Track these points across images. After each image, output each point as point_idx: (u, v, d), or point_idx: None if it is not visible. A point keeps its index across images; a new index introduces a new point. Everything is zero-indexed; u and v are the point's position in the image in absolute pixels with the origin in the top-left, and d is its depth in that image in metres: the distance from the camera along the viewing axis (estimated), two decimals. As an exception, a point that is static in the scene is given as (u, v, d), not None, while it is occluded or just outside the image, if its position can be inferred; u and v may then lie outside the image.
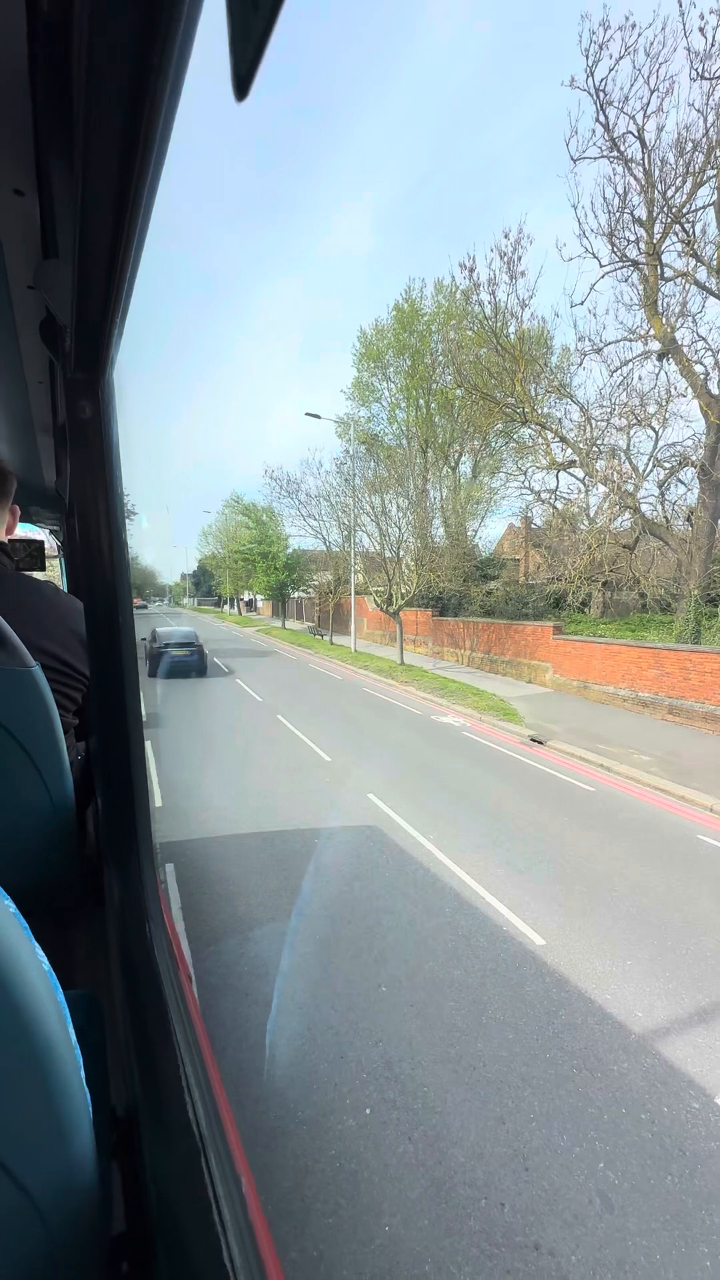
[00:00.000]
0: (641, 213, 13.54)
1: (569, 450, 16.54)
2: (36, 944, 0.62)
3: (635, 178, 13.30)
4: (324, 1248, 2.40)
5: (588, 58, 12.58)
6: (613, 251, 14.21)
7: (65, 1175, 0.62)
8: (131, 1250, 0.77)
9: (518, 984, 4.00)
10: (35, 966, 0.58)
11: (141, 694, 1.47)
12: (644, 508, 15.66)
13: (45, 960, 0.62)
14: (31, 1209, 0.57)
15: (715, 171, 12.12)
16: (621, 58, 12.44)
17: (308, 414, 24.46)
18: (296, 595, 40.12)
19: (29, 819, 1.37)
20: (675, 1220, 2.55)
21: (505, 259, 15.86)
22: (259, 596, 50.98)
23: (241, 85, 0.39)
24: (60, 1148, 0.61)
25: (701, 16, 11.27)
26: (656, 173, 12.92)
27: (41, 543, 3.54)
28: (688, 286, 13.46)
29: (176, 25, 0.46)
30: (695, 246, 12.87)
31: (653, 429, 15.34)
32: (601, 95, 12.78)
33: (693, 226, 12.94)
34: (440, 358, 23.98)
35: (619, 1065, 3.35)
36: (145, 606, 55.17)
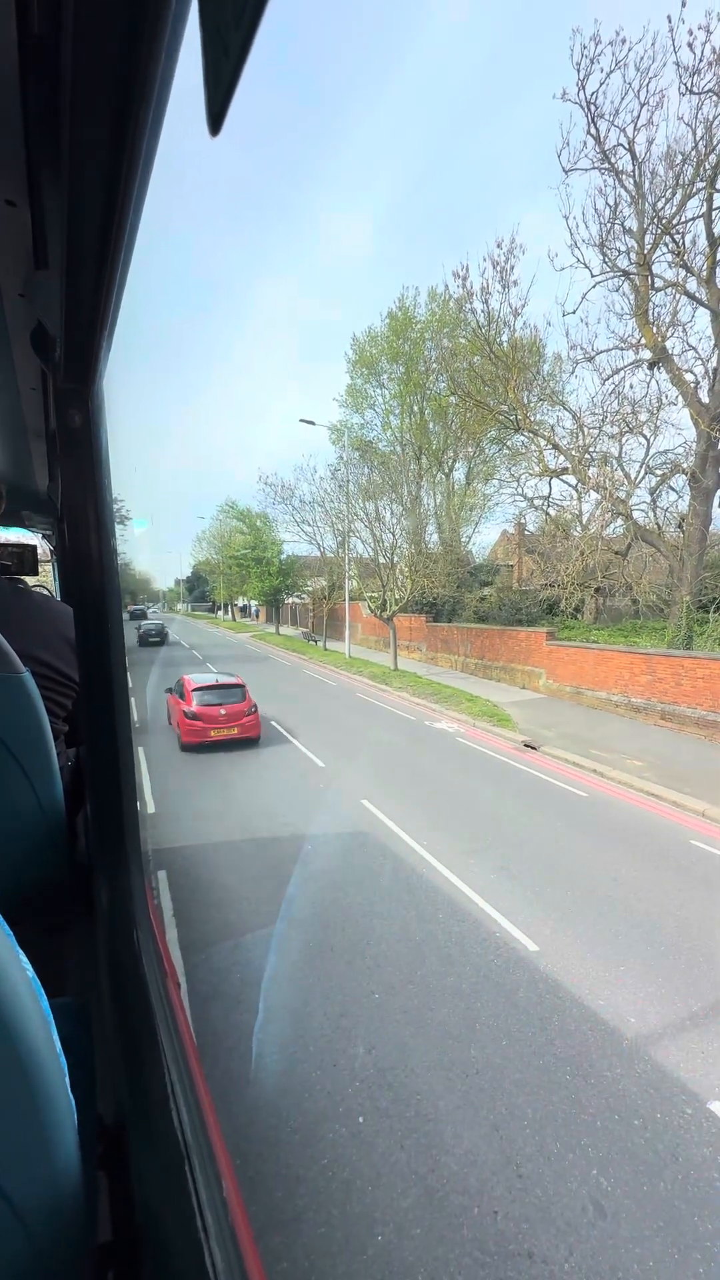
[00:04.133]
0: (632, 223, 13.71)
1: (562, 457, 16.64)
2: (20, 951, 0.62)
3: (626, 189, 13.48)
4: (316, 1258, 2.38)
5: (579, 71, 12.78)
6: (604, 261, 14.37)
7: (49, 1184, 0.62)
8: (118, 1259, 0.76)
9: (511, 990, 4.00)
10: (19, 974, 0.58)
11: (132, 700, 1.47)
12: (636, 514, 15.76)
13: (30, 968, 0.62)
14: (12, 1217, 0.57)
15: (704, 184, 12.30)
16: (612, 72, 12.64)
17: (302, 420, 24.57)
18: (291, 601, 40.10)
19: (18, 826, 1.36)
20: (669, 1227, 2.54)
21: (498, 268, 16.01)
22: (253, 602, 50.95)
23: (215, 122, 0.40)
24: (43, 1156, 0.61)
25: (690, 32, 11.46)
26: (647, 184, 13.10)
27: (34, 548, 3.54)
28: (678, 296, 13.62)
29: (161, 39, 0.47)
30: (685, 257, 13.04)
31: (644, 436, 15.47)
32: (593, 108, 12.96)
33: (683, 237, 13.11)
34: (434, 365, 24.14)
35: (612, 1071, 3.35)
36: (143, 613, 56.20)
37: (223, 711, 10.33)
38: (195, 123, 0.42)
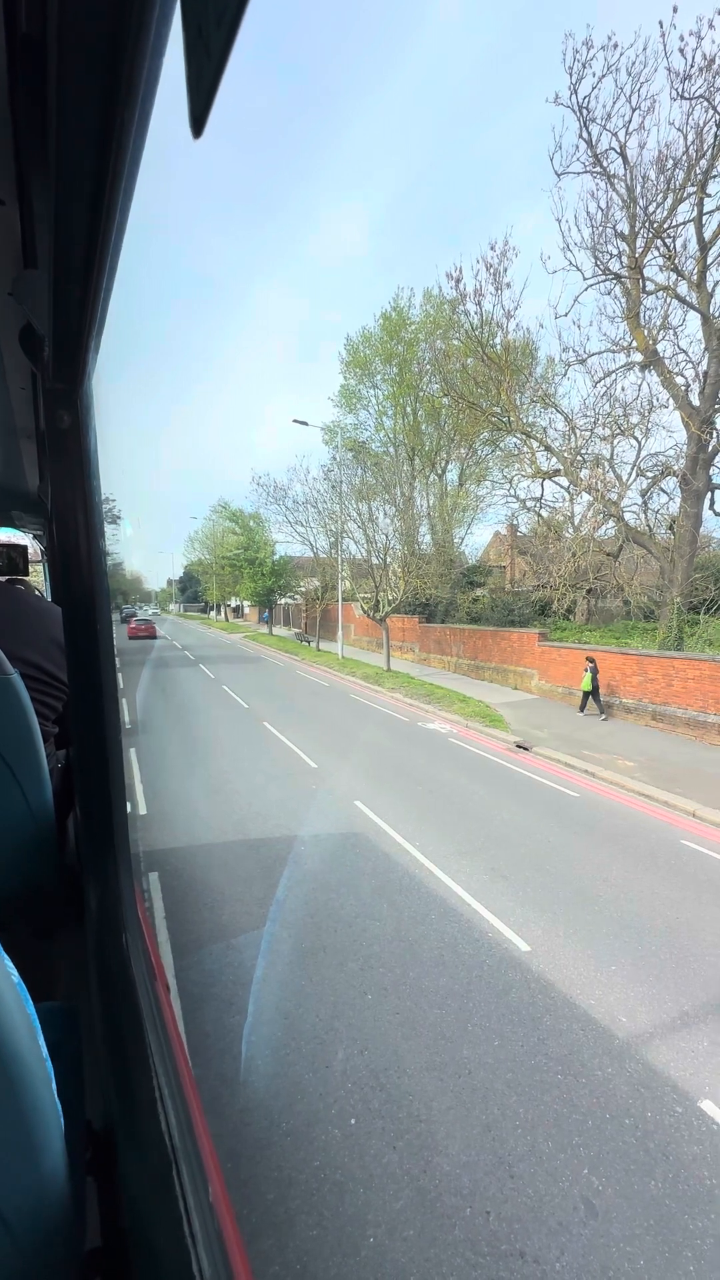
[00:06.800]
0: (624, 227, 13.81)
1: (554, 459, 16.73)
2: (6, 956, 0.62)
3: (618, 193, 13.56)
4: (308, 1260, 2.38)
5: (571, 75, 12.86)
6: (596, 265, 14.47)
7: (36, 1191, 0.61)
8: (106, 1266, 0.75)
9: (503, 990, 4.00)
10: (4, 978, 0.57)
11: (122, 701, 1.46)
12: (627, 516, 15.90)
13: (15, 972, 0.62)
14: None
15: (695, 188, 12.40)
16: (604, 76, 12.72)
17: (295, 420, 24.53)
18: (283, 601, 40.03)
19: (7, 829, 1.35)
20: (660, 1225, 2.55)
21: (491, 271, 16.07)
22: (246, 603, 50.86)
23: (197, 124, 0.40)
24: (30, 1163, 0.60)
25: (681, 38, 11.56)
26: (638, 188, 13.20)
27: (24, 548, 3.53)
28: (669, 300, 13.73)
29: (147, 36, 0.47)
30: (676, 261, 13.14)
31: (635, 439, 15.58)
32: (585, 112, 13.05)
33: (673, 241, 13.22)
34: (427, 366, 24.17)
35: (603, 1071, 3.36)
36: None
37: (143, 628, 36.06)
38: (185, 122, 0.42)
